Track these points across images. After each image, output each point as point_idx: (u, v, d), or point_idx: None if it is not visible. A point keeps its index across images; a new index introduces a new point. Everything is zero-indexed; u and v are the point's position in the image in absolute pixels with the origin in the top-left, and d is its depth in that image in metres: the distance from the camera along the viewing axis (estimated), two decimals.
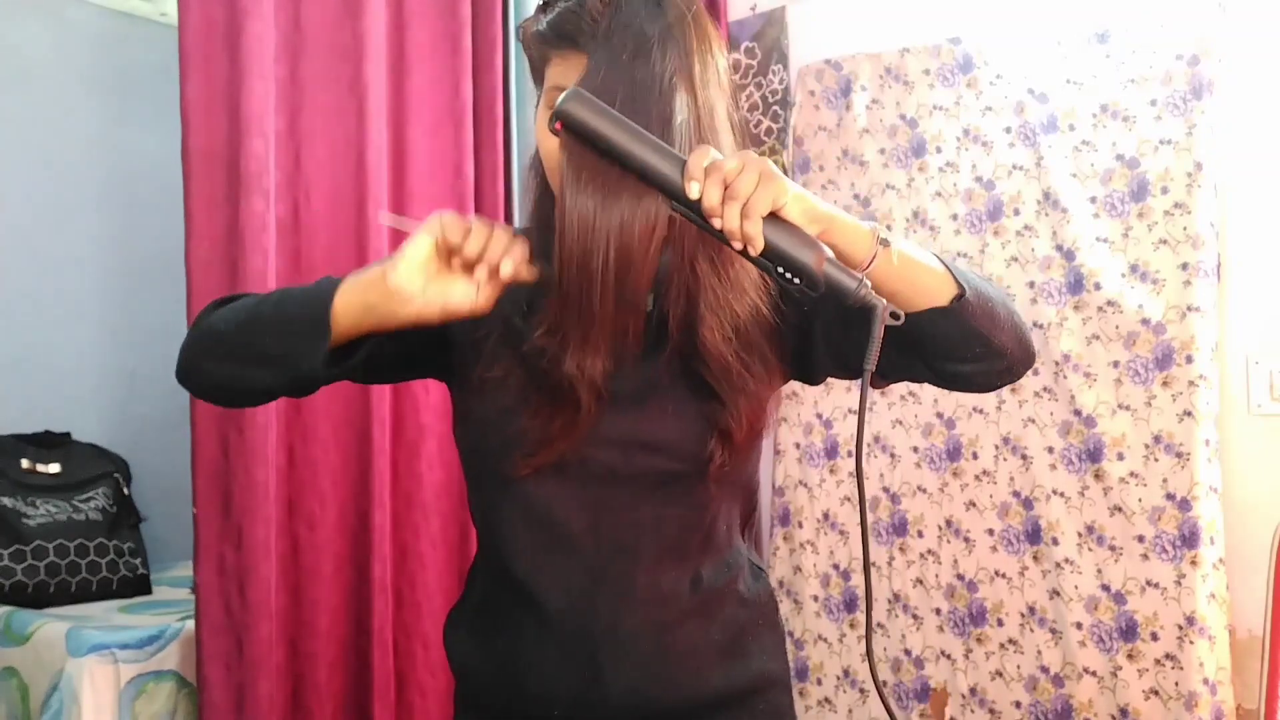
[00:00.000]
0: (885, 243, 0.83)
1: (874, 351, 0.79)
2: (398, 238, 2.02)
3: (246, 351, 0.93)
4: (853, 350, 0.85)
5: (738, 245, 0.80)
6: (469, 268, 0.86)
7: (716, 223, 0.79)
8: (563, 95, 0.80)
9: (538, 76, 0.99)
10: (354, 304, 0.88)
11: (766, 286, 0.97)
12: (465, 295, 0.86)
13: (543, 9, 0.97)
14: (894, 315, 0.81)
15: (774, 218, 0.79)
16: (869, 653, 0.81)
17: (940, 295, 0.87)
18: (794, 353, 0.99)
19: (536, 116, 0.98)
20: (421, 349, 1.01)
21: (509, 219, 2.26)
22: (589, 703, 0.96)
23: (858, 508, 0.83)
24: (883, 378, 0.96)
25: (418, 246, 0.86)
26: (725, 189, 0.78)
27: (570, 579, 0.96)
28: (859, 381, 0.83)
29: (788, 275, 0.80)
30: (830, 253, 0.81)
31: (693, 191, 0.79)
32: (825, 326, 0.96)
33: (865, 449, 2.29)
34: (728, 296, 0.92)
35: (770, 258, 0.80)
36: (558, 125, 0.82)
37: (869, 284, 0.80)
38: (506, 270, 0.85)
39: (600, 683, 0.96)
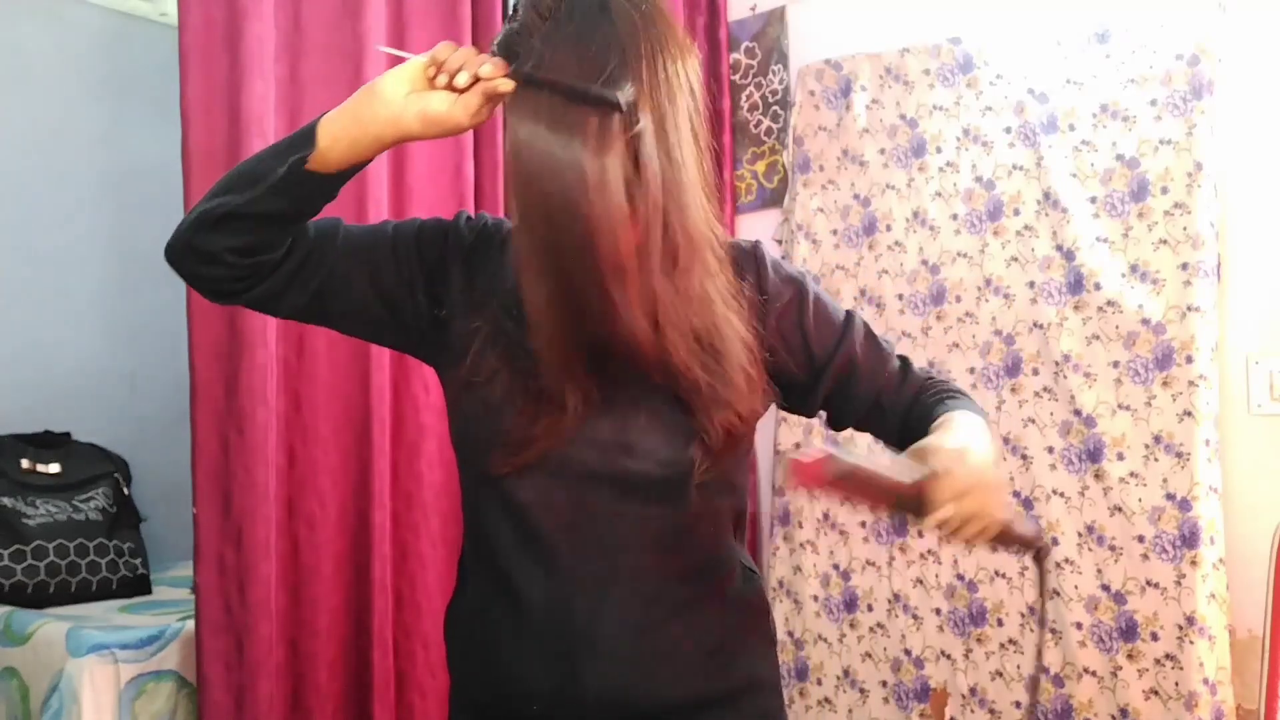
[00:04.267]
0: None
1: (1048, 594, 0.97)
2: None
3: (232, 182, 0.95)
4: (842, 411, 1.08)
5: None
6: (452, 81, 0.90)
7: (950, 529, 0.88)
8: (830, 455, 0.87)
9: None
10: (342, 113, 0.93)
11: (739, 299, 0.97)
12: (443, 102, 0.91)
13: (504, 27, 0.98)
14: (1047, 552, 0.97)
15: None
16: None
17: None
18: (789, 382, 1.03)
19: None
20: (414, 311, 1.02)
21: (508, 219, 2.26)
22: (566, 700, 0.97)
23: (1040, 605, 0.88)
24: (840, 424, 1.10)
25: (407, 63, 0.92)
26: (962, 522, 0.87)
27: (549, 576, 0.97)
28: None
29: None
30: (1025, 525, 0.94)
31: (931, 521, 0.86)
32: (834, 382, 1.05)
33: (865, 449, 2.29)
34: (684, 310, 0.91)
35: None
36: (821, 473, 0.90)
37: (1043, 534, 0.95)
38: (486, 71, 0.89)
39: (578, 681, 0.96)
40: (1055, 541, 2.01)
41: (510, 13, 0.98)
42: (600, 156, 0.85)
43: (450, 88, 0.90)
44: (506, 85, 0.89)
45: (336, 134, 0.92)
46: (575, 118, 0.85)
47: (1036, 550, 0.94)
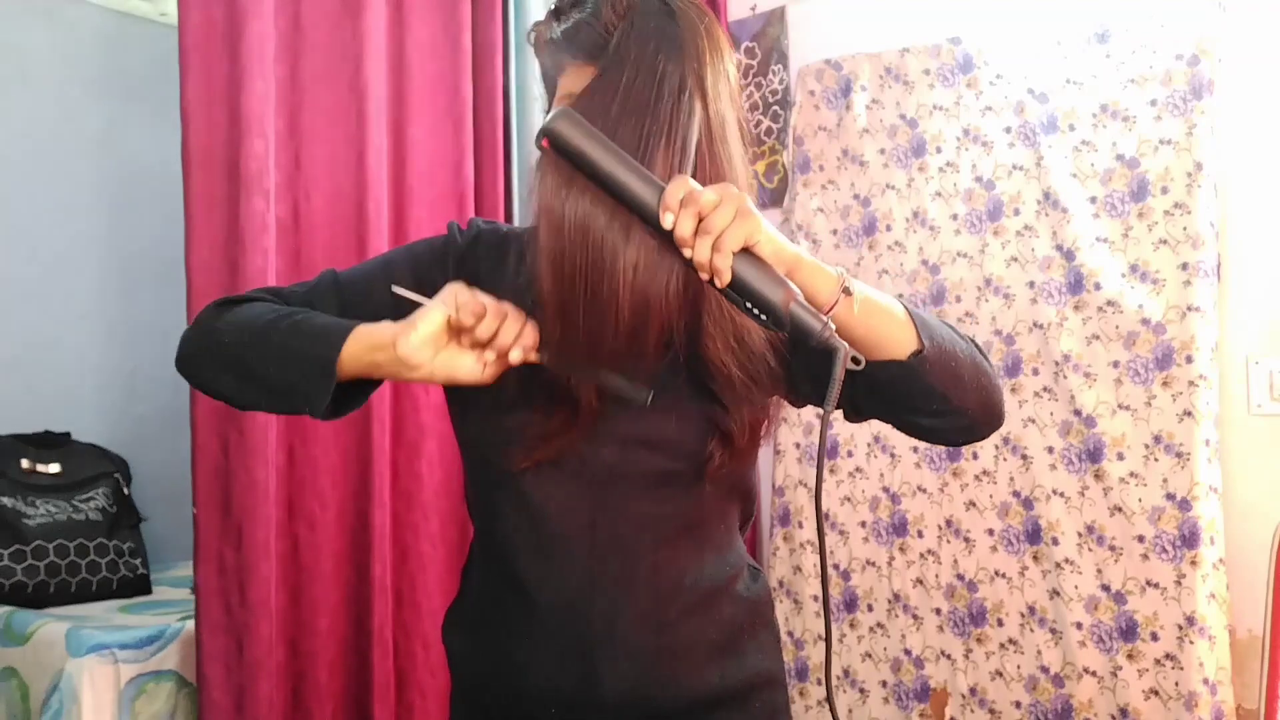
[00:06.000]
0: (848, 291, 0.84)
1: (834, 393, 0.80)
2: (398, 237, 2.02)
3: (248, 373, 0.96)
4: (826, 380, 0.86)
5: (705, 277, 0.80)
6: (478, 346, 0.88)
7: (687, 253, 0.79)
8: (551, 114, 0.81)
9: (549, 83, 0.99)
10: (361, 359, 0.90)
11: None
12: (472, 370, 0.89)
13: (555, 16, 0.96)
14: (855, 360, 0.81)
15: (745, 253, 0.80)
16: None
17: (900, 348, 0.87)
18: (788, 369, 1.00)
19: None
20: None
21: (509, 219, 2.26)
22: (585, 701, 0.96)
23: (818, 531, 0.82)
24: (857, 413, 0.98)
25: (430, 321, 0.86)
26: (699, 221, 0.78)
27: (566, 576, 0.96)
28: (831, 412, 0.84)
29: (754, 311, 0.81)
30: (799, 293, 0.81)
31: (666, 222, 0.79)
32: (808, 353, 0.97)
33: (865, 449, 2.29)
34: (730, 309, 0.92)
35: (738, 291, 0.80)
36: (544, 142, 0.82)
37: (833, 326, 0.81)
38: (515, 358, 0.87)
39: (597, 681, 0.96)
40: (1055, 541, 2.01)
41: (559, 4, 0.97)
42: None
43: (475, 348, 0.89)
44: (537, 359, 0.89)
45: (354, 375, 0.92)
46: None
47: (832, 348, 0.80)
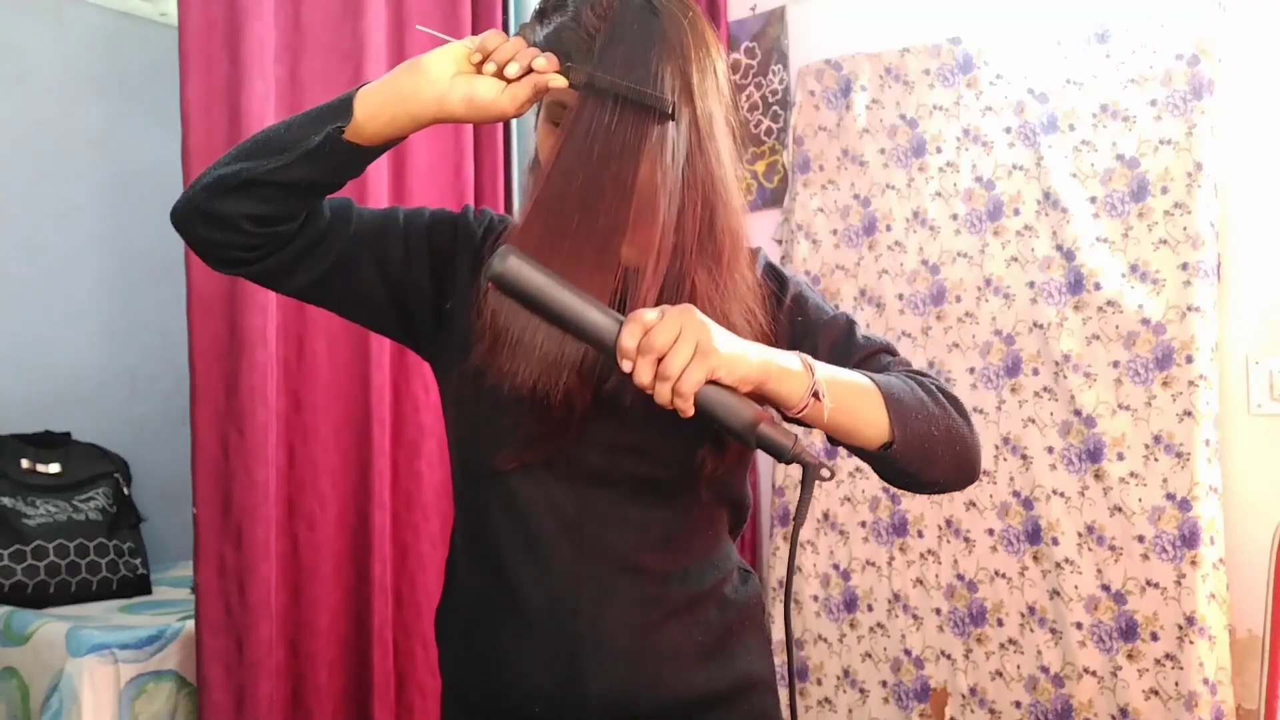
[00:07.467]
0: (818, 395, 0.84)
1: (805, 509, 0.81)
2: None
3: (255, 148, 0.91)
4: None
5: (669, 409, 0.80)
6: (501, 74, 0.87)
7: (649, 391, 0.80)
8: (495, 255, 0.79)
9: None
10: (381, 88, 0.89)
11: (762, 295, 0.98)
12: (490, 91, 0.87)
13: (539, 19, 0.97)
14: (829, 473, 0.83)
15: (708, 383, 0.80)
16: None
17: (872, 437, 0.89)
18: None
19: (537, 123, 0.98)
20: (419, 301, 1.02)
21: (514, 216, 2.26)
22: (569, 701, 0.97)
23: (787, 646, 0.83)
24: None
25: (451, 45, 0.88)
26: (659, 363, 0.78)
27: (552, 576, 0.97)
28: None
29: (722, 434, 0.81)
30: (765, 413, 0.82)
31: (625, 368, 0.79)
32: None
33: None
34: (723, 305, 0.93)
35: (705, 419, 0.81)
36: (489, 285, 0.82)
37: (803, 444, 0.82)
38: (540, 64, 0.86)
39: (580, 682, 0.96)
40: (1055, 541, 2.01)
41: (542, 7, 0.97)
42: (657, 164, 0.87)
43: (499, 75, 0.87)
44: (559, 81, 0.87)
45: (375, 108, 0.88)
46: (633, 129, 0.86)
47: (803, 464, 0.81)
